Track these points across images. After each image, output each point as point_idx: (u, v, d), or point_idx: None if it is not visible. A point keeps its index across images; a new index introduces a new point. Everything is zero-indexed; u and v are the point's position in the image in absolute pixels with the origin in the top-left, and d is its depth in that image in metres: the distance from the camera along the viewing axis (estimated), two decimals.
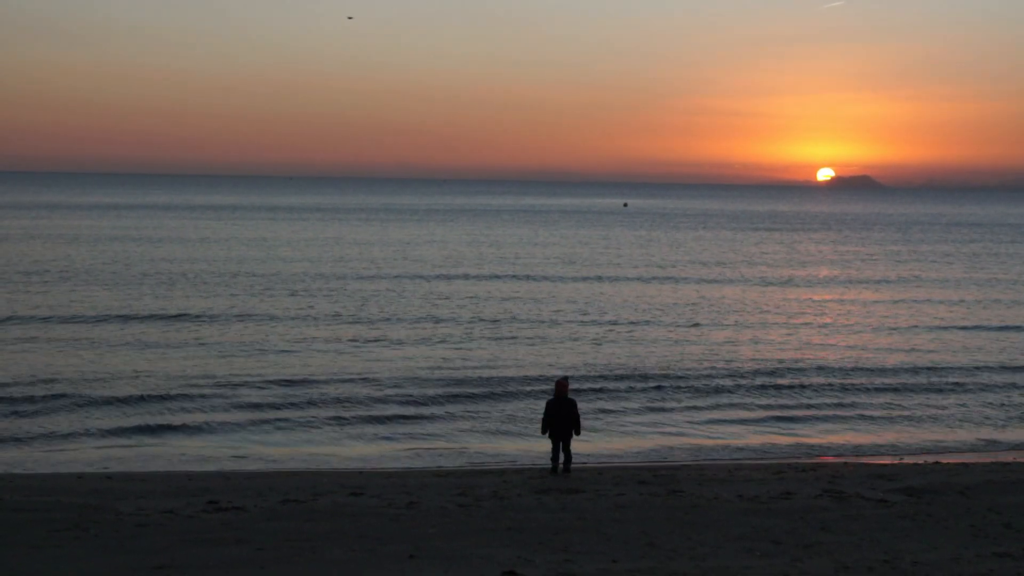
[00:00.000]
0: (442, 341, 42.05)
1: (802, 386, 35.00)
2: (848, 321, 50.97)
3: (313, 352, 39.10)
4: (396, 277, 65.51)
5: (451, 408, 30.98)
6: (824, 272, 77.86)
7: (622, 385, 34.30)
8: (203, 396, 31.54)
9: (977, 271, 79.99)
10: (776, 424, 30.18)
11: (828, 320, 51.30)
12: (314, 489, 20.75)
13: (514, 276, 68.30)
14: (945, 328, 48.58)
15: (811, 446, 28.05)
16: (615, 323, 48.01)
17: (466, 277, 66.63)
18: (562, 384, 23.04)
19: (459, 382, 34.25)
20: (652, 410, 31.25)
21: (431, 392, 32.77)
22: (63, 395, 31.17)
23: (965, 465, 24.57)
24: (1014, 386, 35.71)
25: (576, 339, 43.30)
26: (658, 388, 33.95)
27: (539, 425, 24.01)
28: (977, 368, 38.62)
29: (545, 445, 24.06)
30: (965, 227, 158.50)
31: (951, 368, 38.55)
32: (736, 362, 38.83)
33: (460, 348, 40.44)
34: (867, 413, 31.66)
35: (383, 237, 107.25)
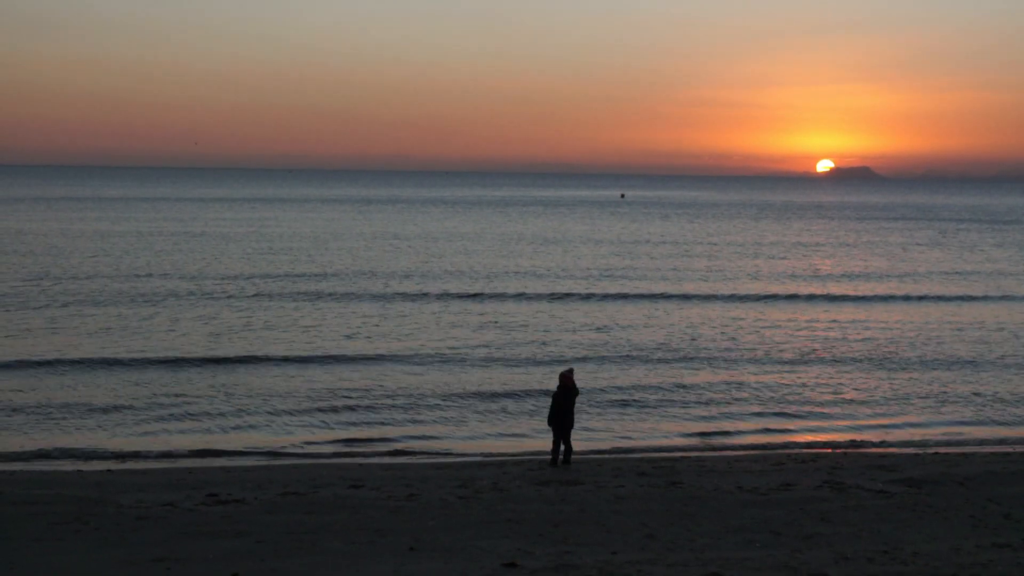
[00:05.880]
0: (446, 338, 42.05)
1: (802, 378, 35.00)
2: (849, 313, 50.95)
3: (318, 341, 39.14)
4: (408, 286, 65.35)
5: (452, 402, 30.97)
6: (825, 264, 77.82)
7: (621, 377, 34.27)
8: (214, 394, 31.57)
9: (981, 263, 79.91)
10: (775, 415, 30.16)
11: (829, 312, 51.27)
12: (314, 481, 20.76)
13: (525, 274, 68.26)
14: (946, 320, 48.57)
15: (811, 437, 28.03)
16: (615, 316, 48.02)
17: (479, 280, 66.56)
18: (567, 376, 23.13)
19: (460, 375, 34.28)
20: (651, 401, 31.23)
21: (433, 385, 32.79)
22: (69, 388, 31.23)
23: (964, 456, 24.59)
24: (1014, 377, 35.70)
25: (577, 331, 43.28)
26: (656, 379, 33.96)
27: (545, 417, 24.05)
28: (977, 359, 38.60)
29: (545, 437, 24.07)
30: (974, 216, 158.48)
31: (950, 360, 38.54)
32: (736, 354, 38.83)
33: (463, 343, 40.46)
34: (866, 403, 31.66)
35: (389, 230, 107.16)
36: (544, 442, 25.09)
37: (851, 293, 58.26)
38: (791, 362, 37.63)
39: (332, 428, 27.79)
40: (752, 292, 57.39)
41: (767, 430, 28.59)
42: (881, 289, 60.25)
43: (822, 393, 32.86)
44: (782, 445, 27.05)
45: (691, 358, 37.74)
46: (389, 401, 30.61)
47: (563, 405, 22.86)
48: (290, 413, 29.09)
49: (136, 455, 24.96)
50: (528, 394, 31.47)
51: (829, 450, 26.26)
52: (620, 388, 32.66)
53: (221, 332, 41.15)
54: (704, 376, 34.78)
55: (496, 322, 44.95)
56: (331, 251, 78.53)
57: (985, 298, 56.58)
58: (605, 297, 53.96)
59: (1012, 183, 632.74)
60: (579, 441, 25.16)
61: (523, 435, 27.30)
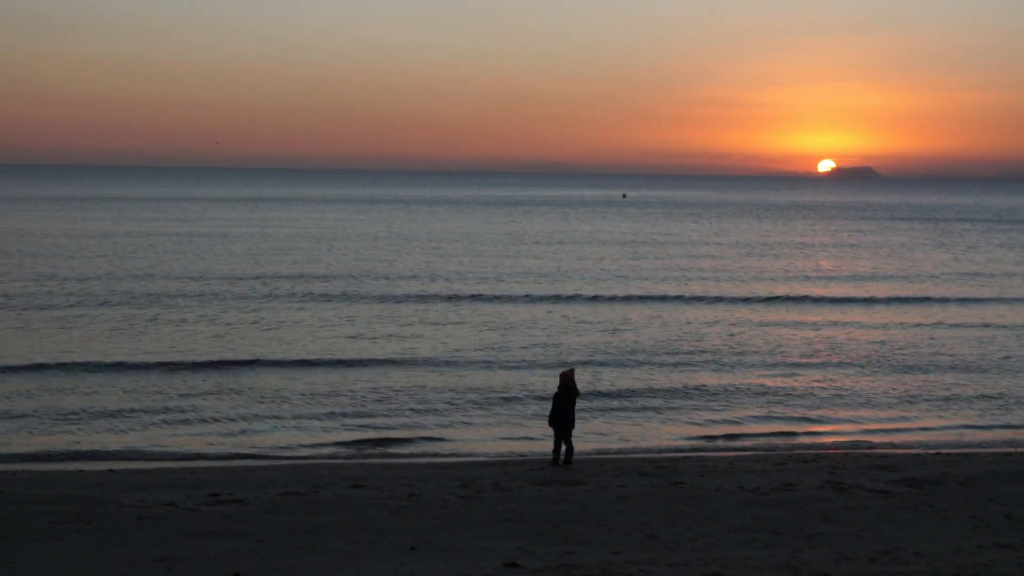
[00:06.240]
0: (451, 336, 42.07)
1: (804, 379, 35.01)
2: (852, 314, 50.93)
3: (319, 339, 39.17)
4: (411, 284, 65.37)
5: (454, 402, 30.97)
6: (829, 265, 77.77)
7: (623, 377, 34.28)
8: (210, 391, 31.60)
9: (986, 264, 79.85)
10: (777, 415, 30.15)
11: (833, 313, 51.25)
12: (315, 481, 20.76)
13: (528, 272, 68.29)
14: (950, 321, 48.55)
15: (812, 437, 27.99)
16: (620, 317, 48.02)
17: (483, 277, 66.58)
18: (568, 376, 23.13)
19: (463, 376, 34.31)
20: (653, 401, 31.22)
21: (435, 386, 32.80)
22: (69, 388, 31.27)
23: (966, 456, 24.58)
24: (1018, 379, 35.68)
25: (582, 332, 43.28)
26: (658, 378, 33.97)
27: (547, 417, 24.04)
28: (982, 360, 38.57)
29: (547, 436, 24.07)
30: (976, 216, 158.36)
31: (954, 361, 38.51)
32: (737, 353, 38.82)
33: (464, 335, 40.46)
34: (868, 404, 31.65)
35: (392, 230, 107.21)
36: (546, 443, 25.09)
37: (854, 294, 58.20)
38: (794, 362, 37.60)
39: (334, 429, 27.79)
40: (756, 293, 57.34)
41: (770, 434, 28.47)
42: (885, 290, 60.19)
43: (824, 393, 32.85)
44: (784, 446, 27.03)
45: (694, 359, 37.70)
46: (391, 401, 30.62)
47: (564, 405, 22.87)
48: (292, 414, 29.10)
49: (137, 455, 24.98)
50: (531, 395, 31.47)
51: (831, 450, 26.25)
52: (623, 389, 32.66)
53: (225, 334, 41.15)
54: (706, 377, 34.76)
55: (501, 323, 44.97)
56: (335, 251, 78.58)
57: (990, 300, 56.42)
58: (611, 299, 53.68)
59: (1014, 183, 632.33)
60: (581, 442, 25.17)
61: (525, 435, 27.30)
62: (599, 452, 25.66)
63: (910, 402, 32.01)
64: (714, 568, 14.94)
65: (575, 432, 23.44)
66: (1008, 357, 39.07)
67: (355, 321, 44.84)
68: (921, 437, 28.12)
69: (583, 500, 19.13)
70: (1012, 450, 26.18)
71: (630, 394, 31.98)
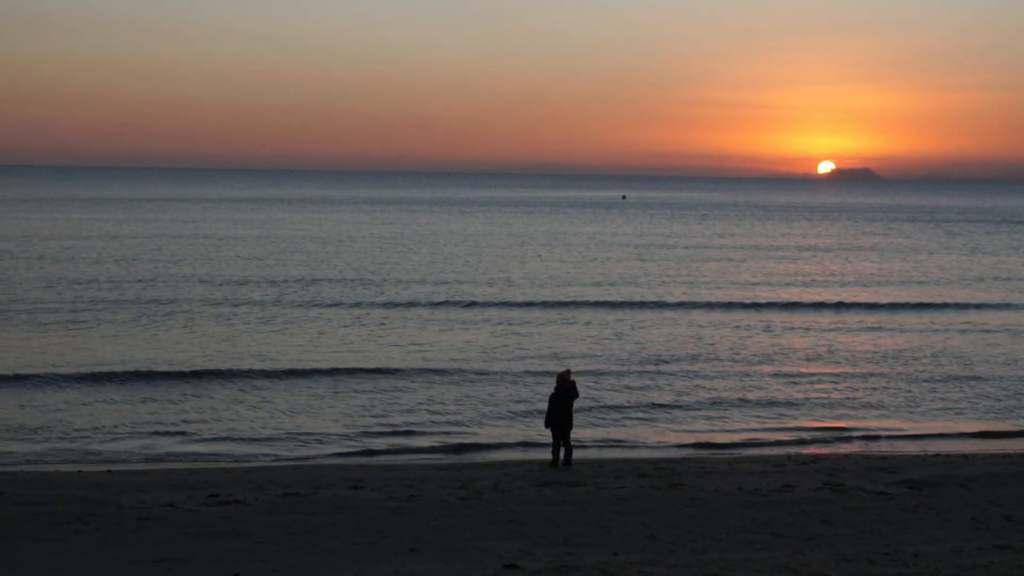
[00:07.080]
0: (450, 331, 42.10)
1: (806, 381, 35.01)
2: (855, 317, 50.92)
3: (318, 340, 39.20)
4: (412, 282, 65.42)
5: (452, 399, 30.98)
6: (832, 267, 77.73)
7: (622, 377, 34.29)
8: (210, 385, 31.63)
9: (991, 266, 79.83)
10: (776, 416, 30.15)
11: (833, 315, 51.26)
12: (315, 482, 20.78)
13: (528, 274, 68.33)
14: (950, 322, 48.54)
15: (812, 438, 27.97)
16: (616, 314, 48.03)
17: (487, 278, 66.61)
18: (564, 377, 23.11)
19: (463, 379, 34.32)
20: (652, 403, 31.23)
21: (436, 388, 32.82)
22: (69, 387, 31.27)
23: (965, 457, 24.56)
24: (1014, 376, 35.67)
25: (583, 335, 43.30)
26: (658, 380, 33.97)
27: (543, 418, 24.02)
28: (985, 363, 38.55)
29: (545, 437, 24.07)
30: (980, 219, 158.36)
31: (957, 364, 38.48)
32: (738, 354, 38.83)
33: (466, 339, 40.47)
34: (869, 405, 31.64)
35: (395, 232, 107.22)
36: (545, 445, 25.10)
37: (857, 298, 58.18)
38: (795, 364, 37.61)
39: (334, 431, 27.80)
40: (759, 297, 57.34)
41: (772, 441, 28.30)
42: (889, 292, 60.20)
43: (824, 395, 32.85)
44: (783, 447, 27.01)
45: (696, 362, 37.69)
46: (392, 403, 30.65)
47: (562, 406, 22.82)
48: (292, 415, 29.12)
49: (137, 456, 25.00)
50: (531, 397, 31.49)
51: (830, 451, 26.24)
52: (625, 391, 32.66)
53: (228, 337, 41.15)
54: (707, 379, 34.75)
55: (504, 325, 45.01)
56: (339, 254, 78.55)
57: (996, 303, 56.19)
58: (615, 303, 53.41)
59: (1014, 184, 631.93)
60: (580, 444, 25.17)
61: (524, 437, 27.31)
62: (599, 454, 25.65)
63: (911, 404, 31.99)
64: (713, 569, 14.96)
65: (573, 433, 23.43)
66: (1010, 361, 39.02)
67: (357, 324, 44.86)
68: (923, 443, 28.09)
69: (583, 501, 19.14)
70: (1012, 451, 26.17)
71: (631, 397, 31.97)
